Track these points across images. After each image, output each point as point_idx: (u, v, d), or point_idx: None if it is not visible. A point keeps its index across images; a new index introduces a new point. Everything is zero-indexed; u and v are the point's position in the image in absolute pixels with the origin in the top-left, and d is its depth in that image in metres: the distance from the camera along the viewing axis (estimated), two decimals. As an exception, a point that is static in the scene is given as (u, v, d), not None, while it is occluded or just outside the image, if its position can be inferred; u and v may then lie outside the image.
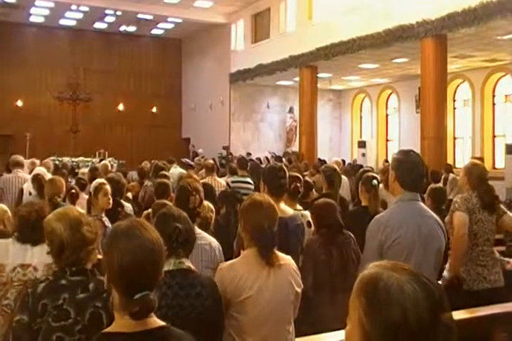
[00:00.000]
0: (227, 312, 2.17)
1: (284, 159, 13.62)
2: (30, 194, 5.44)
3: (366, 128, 19.58)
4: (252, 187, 6.26)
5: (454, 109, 15.82)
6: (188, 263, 2.07)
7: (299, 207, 3.64)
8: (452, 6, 10.20)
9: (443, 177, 8.87)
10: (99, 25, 20.44)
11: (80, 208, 2.73)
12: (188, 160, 11.94)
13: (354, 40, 12.66)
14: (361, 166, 10.02)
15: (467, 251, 3.41)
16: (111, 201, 4.02)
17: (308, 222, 3.41)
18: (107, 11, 18.54)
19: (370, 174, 4.19)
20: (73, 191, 4.57)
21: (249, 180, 6.49)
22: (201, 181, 4.62)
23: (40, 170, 6.53)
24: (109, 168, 8.91)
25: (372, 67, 14.91)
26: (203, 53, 20.93)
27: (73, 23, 20.16)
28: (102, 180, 4.31)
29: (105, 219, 3.90)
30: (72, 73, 18.89)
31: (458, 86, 15.77)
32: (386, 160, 14.73)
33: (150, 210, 3.50)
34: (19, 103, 19.89)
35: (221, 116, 19.50)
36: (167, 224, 2.07)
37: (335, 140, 20.17)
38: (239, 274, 2.18)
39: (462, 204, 3.42)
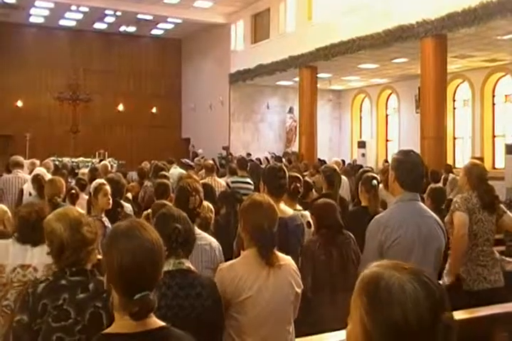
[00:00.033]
0: (227, 313, 2.17)
1: (283, 159, 13.63)
2: (30, 194, 5.44)
3: (366, 128, 19.58)
4: (252, 187, 6.27)
5: (454, 109, 15.83)
6: (187, 264, 2.07)
7: (298, 207, 3.63)
8: (452, 6, 10.20)
9: (443, 177, 8.87)
10: (98, 25, 20.44)
11: (79, 208, 2.73)
12: (187, 161, 11.94)
13: (354, 40, 12.67)
14: (361, 166, 10.02)
15: (467, 251, 3.41)
16: (111, 201, 4.02)
17: (308, 222, 3.41)
18: (106, 12, 18.55)
19: (369, 174, 4.19)
20: (73, 191, 4.57)
21: (249, 180, 6.49)
22: (201, 181, 4.62)
23: (40, 170, 6.53)
24: (109, 168, 8.91)
25: (372, 67, 14.91)
26: (202, 53, 20.94)
27: (73, 23, 20.17)
28: (102, 181, 4.31)
29: (105, 219, 3.90)
30: (72, 74, 18.91)
31: (458, 86, 15.77)
32: (386, 161, 14.73)
33: (150, 211, 3.50)
34: (19, 103, 19.90)
35: (221, 117, 19.51)
36: (167, 224, 2.07)
37: (335, 140, 20.17)
38: (239, 274, 2.18)
39: (462, 204, 3.42)
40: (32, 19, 19.64)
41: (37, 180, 4.97)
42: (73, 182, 6.42)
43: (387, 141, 18.68)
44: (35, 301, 1.84)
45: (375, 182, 3.96)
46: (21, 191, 5.92)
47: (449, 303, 0.97)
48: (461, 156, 15.55)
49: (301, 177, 3.90)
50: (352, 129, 20.07)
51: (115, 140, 20.84)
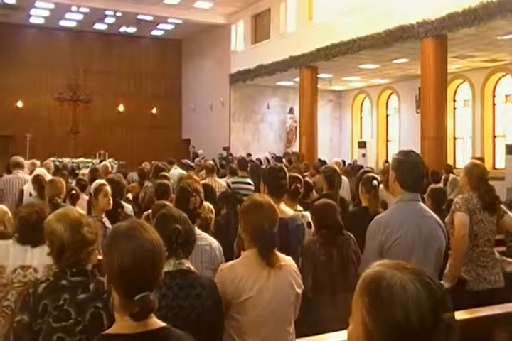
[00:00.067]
0: (228, 313, 2.17)
1: (284, 160, 13.63)
2: (30, 195, 5.44)
3: (366, 128, 19.58)
4: (252, 187, 6.26)
5: (454, 109, 15.82)
6: (187, 264, 2.07)
7: (299, 207, 3.63)
8: (452, 6, 10.20)
9: (443, 177, 8.87)
10: (99, 26, 20.46)
11: (80, 209, 2.73)
12: (188, 161, 11.94)
13: (354, 40, 12.67)
14: (361, 167, 10.02)
15: (468, 252, 3.41)
16: (111, 202, 4.02)
17: (309, 222, 3.40)
18: (107, 12, 18.56)
19: (370, 174, 4.19)
20: (73, 192, 4.57)
21: (249, 180, 6.49)
22: (201, 182, 4.62)
23: (40, 171, 6.53)
24: (110, 168, 8.91)
25: (372, 67, 14.91)
26: (203, 54, 20.95)
27: (73, 24, 20.18)
28: (102, 181, 4.31)
29: (105, 219, 3.90)
30: (72, 74, 18.92)
31: (458, 86, 15.77)
32: (386, 161, 14.73)
33: (150, 211, 3.50)
34: (19, 104, 19.91)
35: (221, 117, 19.51)
36: (167, 225, 2.07)
37: (335, 140, 20.17)
38: (239, 275, 2.18)
39: (463, 205, 3.42)
40: (32, 20, 19.66)
41: (37, 181, 4.97)
42: (73, 183, 6.42)
43: (387, 141, 18.68)
44: (36, 301, 1.84)
45: (375, 182, 3.96)
46: (22, 191, 5.93)
47: (451, 304, 0.97)
48: (461, 156, 15.55)
49: (301, 178, 3.90)
50: (352, 129, 20.07)
51: (115, 140, 20.85)
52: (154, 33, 21.59)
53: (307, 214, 3.49)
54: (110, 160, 14.81)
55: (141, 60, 22.22)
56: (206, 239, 2.73)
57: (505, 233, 4.51)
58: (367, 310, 0.96)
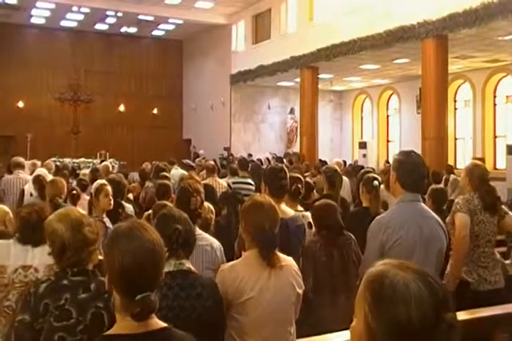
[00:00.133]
0: (228, 314, 2.17)
1: (284, 160, 13.63)
2: (31, 195, 5.45)
3: (367, 129, 19.58)
4: (253, 188, 6.26)
5: (455, 109, 15.82)
6: (188, 264, 2.07)
7: (299, 208, 3.63)
8: (453, 7, 10.20)
9: (444, 178, 8.86)
10: (100, 26, 20.47)
11: (81, 209, 2.73)
12: (189, 161, 11.93)
13: (355, 40, 12.67)
14: (362, 167, 10.01)
15: (468, 253, 3.41)
16: (112, 202, 4.03)
17: (309, 223, 3.40)
18: (107, 12, 18.57)
19: (371, 175, 4.19)
20: (74, 192, 4.58)
21: (250, 181, 6.49)
22: (202, 182, 4.62)
23: (41, 171, 6.54)
24: (110, 169, 8.92)
25: (373, 67, 14.91)
26: (203, 54, 20.95)
27: (74, 24, 20.20)
28: (103, 181, 4.31)
29: (106, 220, 3.90)
30: (73, 74, 18.92)
31: (459, 86, 15.76)
32: (387, 161, 14.74)
33: (151, 211, 3.50)
34: (20, 104, 19.92)
35: (222, 117, 19.52)
36: (167, 225, 2.08)
37: (336, 141, 20.17)
38: (240, 275, 2.18)
39: (463, 206, 3.42)
40: (33, 20, 19.67)
41: (38, 181, 4.98)
42: (74, 183, 6.43)
43: (388, 141, 18.67)
44: (37, 301, 1.84)
45: (376, 182, 3.95)
46: (22, 192, 5.94)
47: (453, 303, 0.97)
48: (462, 157, 15.54)
49: (302, 178, 3.90)
50: (353, 130, 20.07)
51: (116, 141, 20.85)
52: (155, 33, 21.60)
53: (308, 214, 3.49)
54: (111, 160, 14.82)
55: (142, 60, 22.23)
56: (207, 239, 2.73)
57: (506, 234, 4.51)
58: (369, 308, 0.96)
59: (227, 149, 18.79)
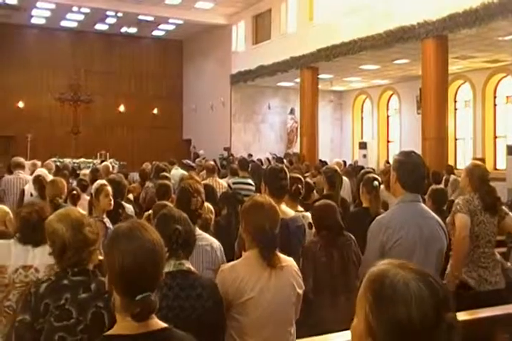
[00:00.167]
0: (229, 314, 2.17)
1: (285, 160, 13.63)
2: (31, 195, 5.45)
3: (367, 129, 19.58)
4: (253, 188, 6.26)
5: (455, 109, 15.82)
6: (188, 265, 2.07)
7: (300, 208, 3.63)
8: (453, 7, 10.20)
9: (444, 178, 8.86)
10: (100, 26, 20.48)
11: (81, 209, 2.73)
12: (189, 162, 11.93)
13: (355, 41, 12.67)
14: (362, 167, 10.01)
15: (469, 253, 3.41)
16: (112, 202, 4.03)
17: (310, 223, 3.40)
18: (108, 13, 18.58)
19: (371, 175, 4.19)
20: (74, 192, 4.58)
21: (250, 181, 6.48)
22: (202, 182, 4.62)
23: (41, 171, 6.54)
24: (111, 169, 8.92)
25: (373, 68, 14.91)
26: (204, 54, 20.96)
27: (74, 24, 20.20)
28: (103, 182, 4.31)
29: (106, 220, 3.90)
30: (73, 74, 18.92)
31: (459, 87, 15.76)
32: (387, 162, 14.73)
33: (151, 211, 3.50)
34: (20, 104, 19.93)
35: (222, 118, 19.52)
36: (167, 225, 2.07)
37: (336, 141, 20.17)
38: (240, 276, 2.18)
39: (464, 206, 3.42)
40: (33, 20, 19.68)
41: (38, 181, 4.98)
42: (75, 183, 6.43)
43: (388, 141, 18.67)
44: (38, 301, 1.84)
45: (376, 183, 3.96)
46: (23, 192, 5.94)
47: (453, 303, 0.97)
48: (462, 157, 15.54)
49: (302, 179, 3.90)
50: (353, 130, 20.07)
51: (116, 141, 20.86)
52: (155, 33, 21.61)
53: (308, 214, 3.49)
54: (111, 160, 14.82)
55: (142, 60, 22.23)
56: (207, 239, 2.73)
57: (507, 234, 4.51)
58: (370, 308, 0.97)
59: (228, 149, 18.79)
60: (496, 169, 14.14)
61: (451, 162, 12.93)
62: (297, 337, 2.38)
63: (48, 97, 19.16)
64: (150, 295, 1.35)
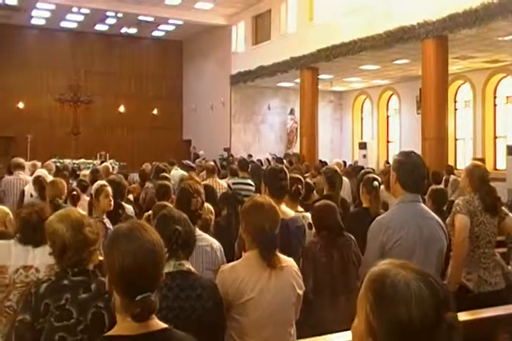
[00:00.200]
0: (229, 314, 2.17)
1: (284, 161, 13.63)
2: (31, 196, 5.45)
3: (367, 129, 19.58)
4: (253, 188, 6.26)
5: (455, 110, 15.82)
6: (187, 265, 2.07)
7: (300, 208, 3.63)
8: (453, 7, 10.20)
9: (444, 178, 8.86)
10: (100, 27, 20.48)
11: (81, 210, 2.73)
12: (189, 162, 11.94)
13: (355, 41, 12.67)
14: (362, 167, 10.01)
15: (469, 254, 3.41)
16: (112, 203, 4.03)
17: (310, 223, 3.40)
18: (108, 13, 18.59)
19: (371, 175, 4.19)
20: (74, 193, 4.58)
21: (250, 181, 6.48)
22: (202, 183, 4.62)
23: (41, 172, 6.54)
24: (110, 169, 8.91)
25: (373, 68, 14.92)
26: (203, 55, 20.97)
27: (74, 25, 20.21)
28: (103, 182, 4.31)
29: (106, 220, 3.90)
30: (73, 75, 18.94)
31: (459, 87, 15.77)
32: (387, 162, 14.73)
33: (151, 212, 3.50)
34: (20, 105, 19.93)
35: (222, 118, 19.52)
36: (167, 226, 2.07)
37: (336, 141, 20.18)
38: (240, 276, 2.17)
39: (463, 207, 3.41)
40: (33, 21, 19.69)
41: (38, 182, 4.98)
42: (74, 184, 6.43)
43: (388, 142, 18.67)
44: (38, 301, 1.85)
45: (376, 183, 3.95)
46: (23, 192, 5.94)
47: (454, 304, 0.97)
48: (462, 157, 15.54)
49: (302, 179, 3.89)
50: (353, 130, 20.07)
51: (116, 141, 20.86)
52: (155, 33, 21.61)
53: (308, 215, 3.49)
54: (111, 161, 14.82)
55: (142, 60, 22.24)
56: (207, 239, 2.73)
57: (507, 235, 4.50)
58: (371, 308, 0.97)
59: (227, 150, 18.80)
60: (495, 169, 14.14)
61: (451, 162, 12.93)
62: (297, 338, 2.38)
63: (48, 98, 19.17)
64: (150, 296, 1.35)
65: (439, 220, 2.72)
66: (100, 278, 1.90)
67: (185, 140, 22.50)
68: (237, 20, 19.05)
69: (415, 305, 0.94)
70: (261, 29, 18.04)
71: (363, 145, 17.46)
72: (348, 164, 13.61)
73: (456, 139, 15.74)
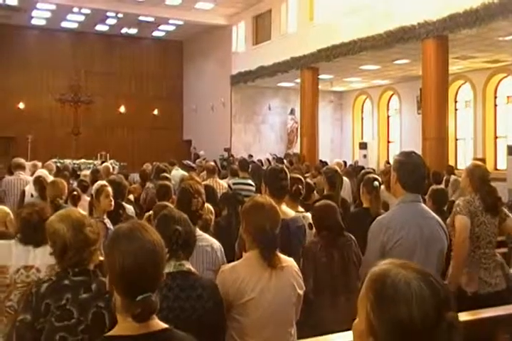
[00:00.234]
0: (229, 315, 2.17)
1: (285, 161, 13.63)
2: (32, 196, 5.45)
3: (367, 129, 19.58)
4: (254, 189, 6.25)
5: (456, 110, 15.81)
6: (188, 266, 2.07)
7: (300, 208, 3.63)
8: (454, 7, 10.19)
9: (444, 178, 8.86)
10: (100, 27, 20.49)
11: (81, 210, 2.73)
12: (189, 162, 11.94)
13: (355, 41, 12.67)
14: (362, 168, 10.01)
15: (469, 254, 3.40)
16: (112, 203, 4.03)
17: (310, 223, 3.40)
18: (108, 14, 18.60)
19: (371, 175, 4.19)
20: (75, 193, 4.58)
21: (250, 181, 6.48)
22: (203, 183, 4.62)
23: (41, 172, 6.54)
24: (111, 170, 8.92)
25: (373, 68, 14.91)
26: (204, 55, 20.97)
27: (75, 25, 20.22)
28: (104, 182, 4.31)
29: (107, 220, 3.91)
30: (74, 75, 18.95)
31: (459, 87, 15.76)
32: (387, 162, 14.73)
33: (151, 212, 3.50)
34: (21, 105, 19.94)
35: (222, 118, 19.52)
36: (167, 226, 2.07)
37: (336, 141, 20.17)
38: (241, 276, 2.17)
39: (464, 208, 3.41)
40: (34, 21, 19.70)
41: (39, 182, 4.98)
42: (75, 184, 6.43)
43: (388, 142, 18.67)
44: (39, 301, 1.85)
45: (376, 183, 3.95)
46: (23, 192, 5.94)
47: (454, 303, 0.98)
48: (462, 157, 15.54)
49: (302, 179, 3.90)
50: (353, 130, 20.07)
51: (117, 142, 20.87)
52: (155, 34, 21.62)
53: (308, 215, 3.49)
54: (111, 161, 14.82)
55: (142, 61, 22.25)
56: (207, 240, 2.73)
57: (507, 235, 4.50)
58: (371, 308, 0.97)
59: (228, 150, 18.80)
60: (496, 169, 14.14)
61: (451, 162, 12.93)
62: (298, 338, 2.38)
63: (49, 98, 19.18)
64: (151, 296, 1.35)
65: (440, 220, 2.72)
66: (101, 278, 1.90)
67: (185, 140, 22.50)
68: (237, 20, 19.06)
69: (416, 305, 0.94)
70: (261, 29, 18.05)
71: (363, 146, 17.46)
72: (348, 164, 13.60)
73: (456, 139, 15.73)
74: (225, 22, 19.34)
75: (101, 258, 1.96)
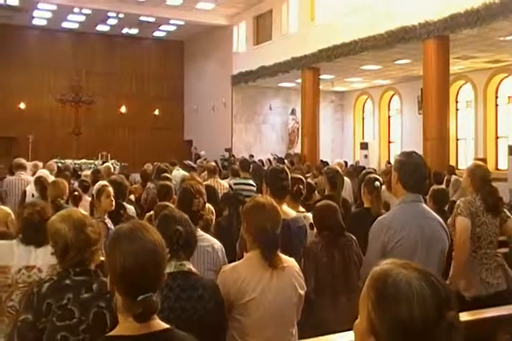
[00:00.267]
0: (230, 315, 2.17)
1: (286, 161, 13.62)
2: (33, 196, 5.46)
3: (368, 129, 19.57)
4: (255, 189, 6.25)
5: (457, 110, 15.80)
6: (189, 266, 2.07)
7: (301, 209, 3.63)
8: (455, 7, 10.19)
9: (445, 178, 8.85)
10: (101, 27, 20.51)
11: (82, 210, 2.73)
12: (190, 163, 11.93)
13: (356, 41, 12.67)
14: (363, 168, 10.00)
15: (471, 254, 3.40)
16: (113, 203, 4.03)
17: (311, 224, 3.40)
18: (109, 14, 18.61)
19: (372, 176, 4.19)
20: (76, 193, 4.59)
21: (251, 182, 6.48)
22: (204, 183, 4.62)
23: (42, 172, 6.55)
24: (112, 170, 8.92)
25: (374, 68, 14.91)
26: (205, 55, 20.98)
27: (76, 25, 20.24)
28: (105, 183, 4.32)
29: (108, 221, 3.91)
30: (75, 75, 18.96)
31: (460, 87, 15.75)
32: (388, 162, 14.73)
33: (152, 212, 3.50)
34: (22, 105, 19.96)
35: (223, 118, 19.53)
36: (168, 226, 2.07)
37: (337, 141, 20.17)
38: (242, 276, 2.17)
39: (465, 209, 3.40)
40: (35, 21, 19.72)
41: (40, 182, 4.99)
42: (76, 184, 6.43)
43: (389, 142, 18.66)
44: (40, 300, 1.85)
45: (377, 183, 3.95)
46: (24, 193, 5.95)
47: (455, 303, 0.98)
48: (463, 157, 15.53)
49: (303, 179, 3.89)
50: (354, 131, 20.06)
51: (118, 142, 20.88)
52: (156, 34, 21.63)
53: (309, 215, 3.49)
54: (112, 161, 14.84)
55: (143, 61, 22.26)
56: (208, 240, 2.73)
57: (508, 237, 4.49)
58: (373, 307, 0.97)
59: (229, 150, 18.80)
60: (497, 169, 14.13)
61: (452, 162, 12.92)
62: (299, 338, 2.38)
63: (50, 98, 19.20)
64: (152, 296, 1.35)
65: (441, 220, 2.72)
66: (102, 278, 1.90)
67: (186, 140, 22.51)
68: (238, 20, 19.06)
69: (417, 304, 0.94)
70: (262, 29, 18.05)
71: (364, 146, 17.46)
72: (349, 164, 13.59)
73: (457, 139, 15.72)
74: (225, 22, 19.35)
75: (102, 258, 1.96)
